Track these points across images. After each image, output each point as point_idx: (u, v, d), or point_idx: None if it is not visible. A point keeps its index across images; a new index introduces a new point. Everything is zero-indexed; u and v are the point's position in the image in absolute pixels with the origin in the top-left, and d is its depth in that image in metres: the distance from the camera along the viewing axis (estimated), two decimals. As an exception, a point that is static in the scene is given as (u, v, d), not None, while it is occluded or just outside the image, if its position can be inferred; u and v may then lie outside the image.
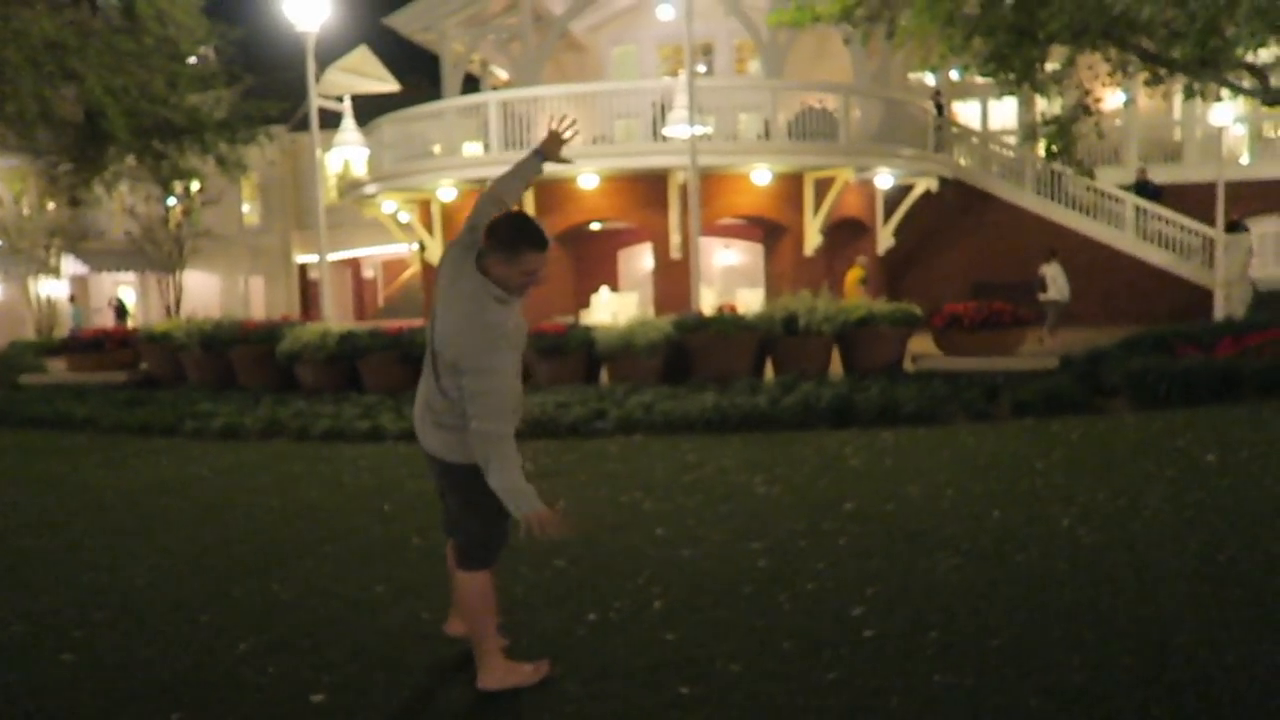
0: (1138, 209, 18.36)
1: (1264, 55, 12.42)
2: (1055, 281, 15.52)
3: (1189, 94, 13.09)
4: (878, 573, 4.44)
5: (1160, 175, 19.53)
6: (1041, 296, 15.53)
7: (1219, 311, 16.09)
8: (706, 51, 21.68)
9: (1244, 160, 20.44)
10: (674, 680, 3.36)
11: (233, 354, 12.10)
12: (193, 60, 18.66)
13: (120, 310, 25.39)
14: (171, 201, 24.48)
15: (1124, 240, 18.37)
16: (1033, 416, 8.52)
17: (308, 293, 28.79)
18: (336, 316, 18.08)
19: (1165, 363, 9.14)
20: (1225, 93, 13.72)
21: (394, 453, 8.08)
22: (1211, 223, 17.32)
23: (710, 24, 20.19)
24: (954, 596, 4.09)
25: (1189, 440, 7.06)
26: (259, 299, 29.04)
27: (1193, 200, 18.66)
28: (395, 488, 6.71)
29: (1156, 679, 3.22)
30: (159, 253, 25.58)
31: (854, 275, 16.19)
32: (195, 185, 23.16)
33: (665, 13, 19.06)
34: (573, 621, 3.96)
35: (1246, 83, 12.47)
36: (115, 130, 16.34)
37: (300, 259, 28.76)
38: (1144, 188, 18.84)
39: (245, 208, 29.14)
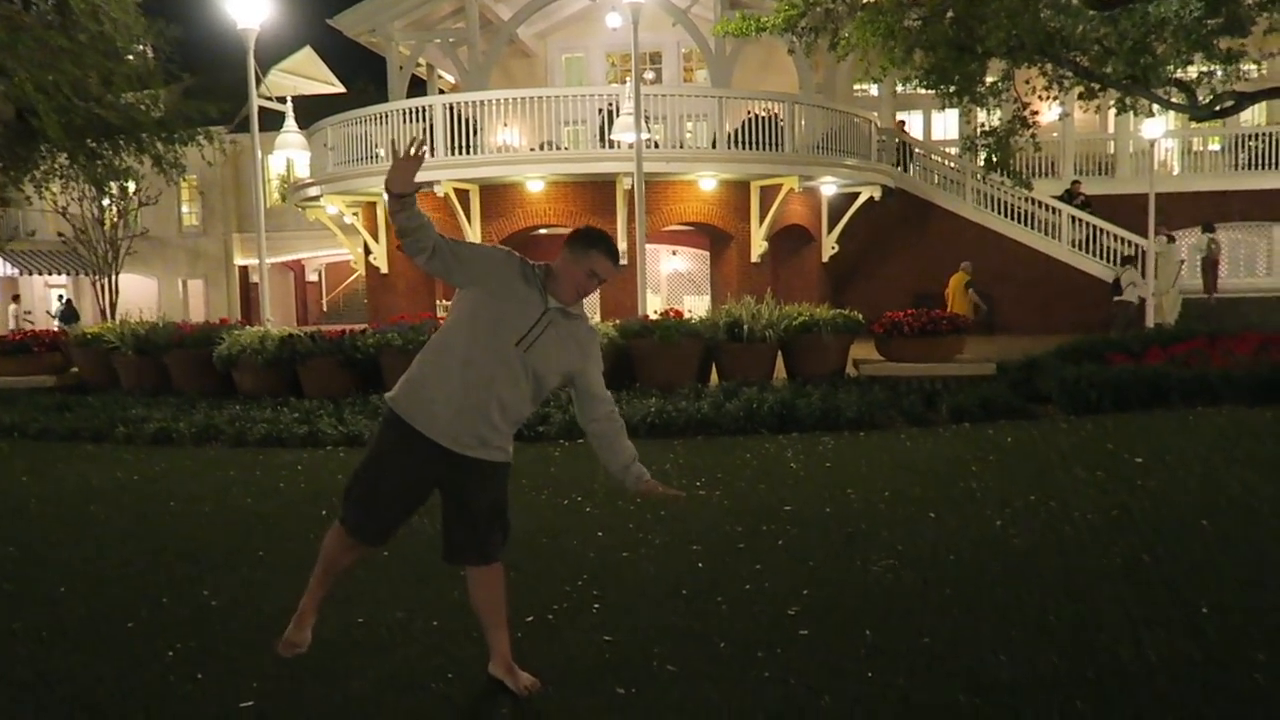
0: (1073, 219, 18.84)
1: (1191, 72, 12.86)
2: (1134, 285, 16.03)
3: (1121, 109, 13.51)
4: (814, 574, 4.48)
5: (1094, 188, 20.06)
6: (1116, 299, 16.06)
7: (1150, 320, 16.57)
8: (654, 60, 21.78)
9: (1175, 173, 21.09)
10: (611, 681, 3.36)
11: (168, 358, 11.82)
12: (129, 58, 18.22)
13: (69, 314, 24.66)
14: (106, 203, 23.85)
15: (1060, 250, 18.84)
16: (970, 422, 8.69)
17: (249, 296, 28.26)
18: (279, 320, 17.75)
19: (1097, 370, 9.40)
20: (1156, 108, 14.15)
21: (333, 458, 7.96)
22: (1143, 234, 17.85)
23: (658, 33, 20.29)
24: (888, 597, 4.15)
25: (1117, 445, 7.25)
26: (199, 302, 28.43)
27: (1126, 212, 19.21)
28: (333, 493, 6.59)
29: (1081, 676, 3.30)
30: (93, 255, 24.88)
31: (959, 279, 16.16)
32: (131, 186, 22.64)
33: (613, 20, 19.11)
34: (512, 624, 3.93)
35: (1175, 98, 12.88)
36: (46, 128, 15.90)
37: (241, 262, 28.23)
38: (1073, 199, 19.36)
39: (184, 209, 28.52)
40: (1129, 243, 17.86)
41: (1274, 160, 19.95)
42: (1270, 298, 17.67)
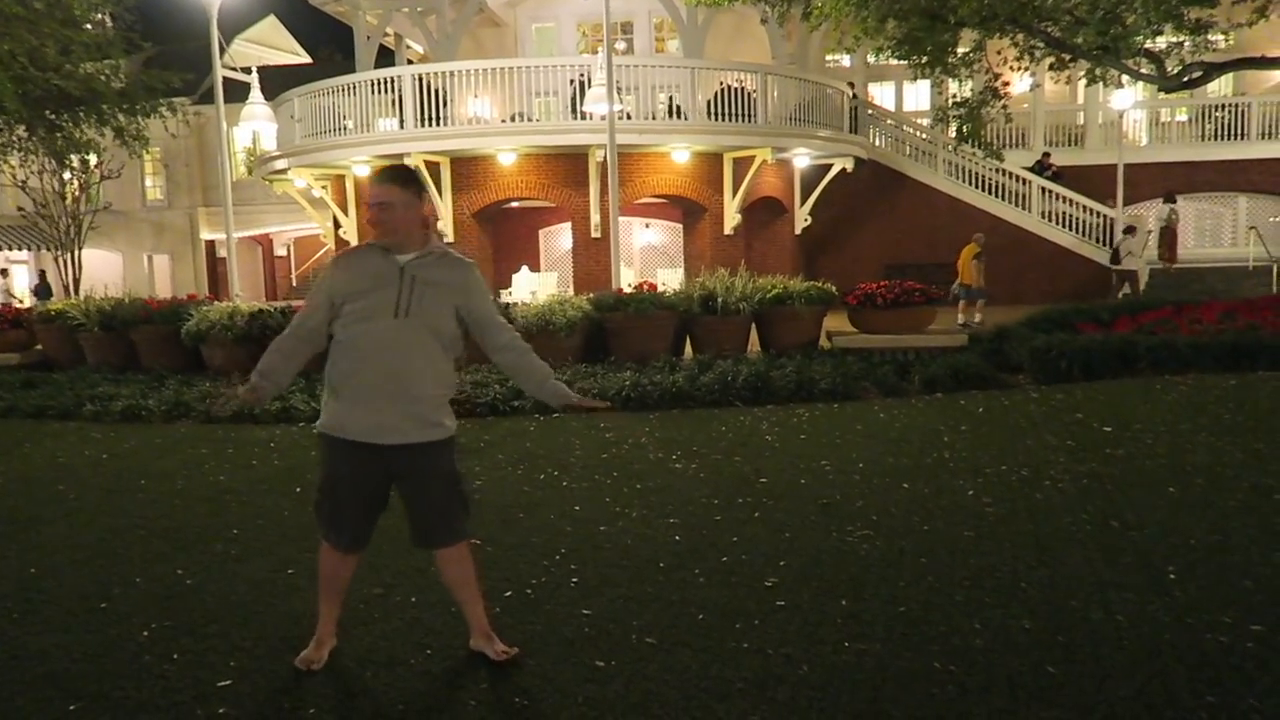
0: (1043, 190, 18.97)
1: (1160, 42, 12.92)
2: (1132, 254, 16.36)
3: (1091, 79, 13.56)
4: (790, 545, 4.52)
5: (1064, 159, 20.20)
6: (1115, 267, 16.46)
7: (1118, 289, 16.76)
8: (626, 30, 21.57)
9: (1143, 144, 21.26)
10: (589, 654, 3.37)
11: (135, 334, 11.65)
12: (87, 26, 17.77)
13: (44, 289, 24.18)
14: (67, 176, 23.34)
15: (1030, 221, 18.98)
16: (942, 392, 8.78)
17: (216, 271, 27.86)
18: (248, 295, 17.52)
19: (1067, 340, 9.50)
20: (1125, 79, 14.23)
21: (306, 434, 7.89)
22: (1111, 205, 18.02)
23: (630, 2, 20.09)
24: (864, 566, 4.20)
25: (1087, 413, 7.35)
26: (164, 277, 27.99)
27: (1095, 183, 19.37)
28: (307, 469, 6.55)
29: (1052, 640, 3.36)
30: (55, 230, 24.37)
31: (969, 250, 16.23)
32: (93, 159, 22.17)
33: (584, -11, 18.92)
34: (490, 598, 3.92)
35: (1145, 69, 12.94)
36: (2, 98, 15.51)
37: (208, 236, 27.79)
38: (1044, 170, 19.49)
39: (148, 182, 27.99)
40: (1129, 213, 18.21)
41: (1240, 131, 20.15)
42: (1235, 267, 17.91)
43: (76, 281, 24.37)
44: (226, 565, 4.51)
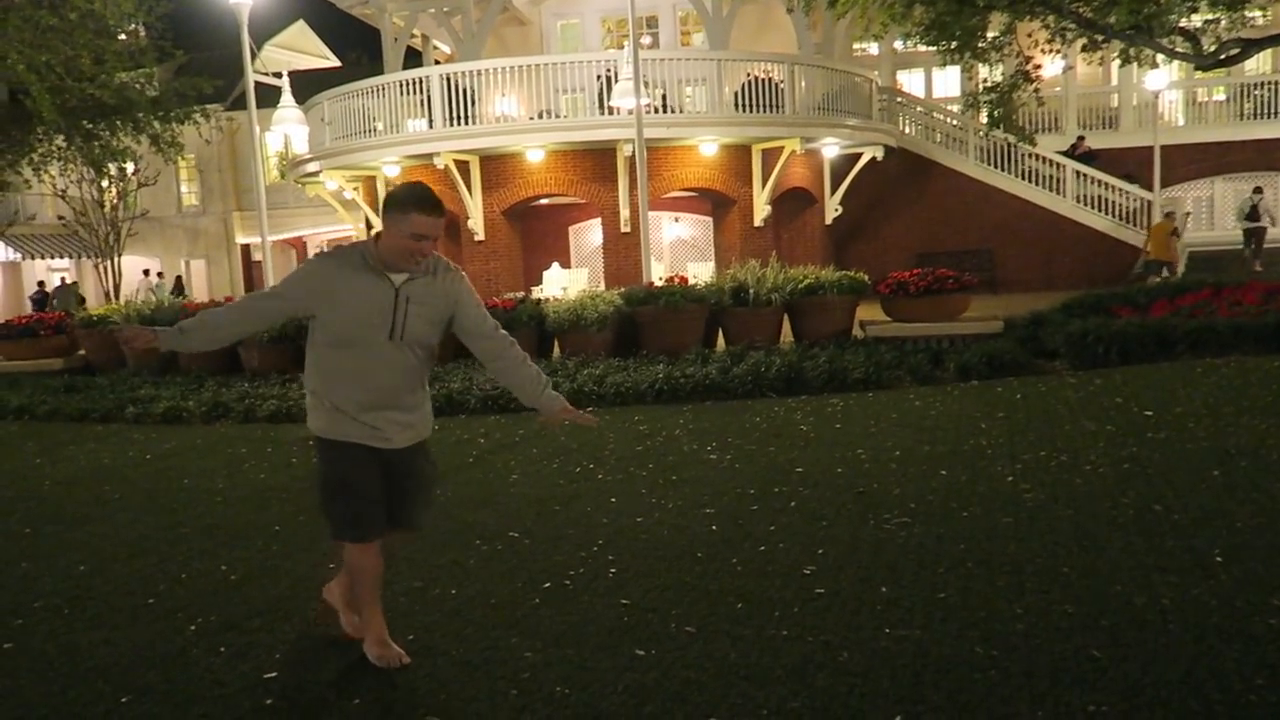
0: (1077, 174, 18.71)
1: (1196, 20, 12.69)
2: (1269, 211, 16.97)
3: (1125, 60, 13.35)
4: (827, 533, 4.50)
5: (1098, 141, 19.91)
6: (1247, 226, 17.09)
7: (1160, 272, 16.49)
8: (651, 24, 21.53)
9: (1179, 124, 20.90)
10: (629, 643, 3.38)
11: (174, 338, 11.84)
12: (121, 36, 18.07)
13: (63, 295, 24.69)
14: (105, 184, 23.77)
15: (1063, 205, 18.73)
16: (977, 379, 8.69)
17: (251, 275, 28.24)
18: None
19: (1103, 324, 9.37)
20: (1160, 58, 13.99)
21: (343, 432, 7.97)
22: (1149, 186, 17.72)
23: (654, -4, 20.06)
24: (902, 554, 4.17)
25: (1126, 398, 7.25)
26: (201, 282, 28.43)
27: (1130, 165, 19.07)
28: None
29: (1095, 624, 3.32)
30: (94, 237, 24.85)
31: (1164, 227, 16.34)
32: (129, 166, 22.55)
33: (608, -16, 18.93)
34: (528, 590, 3.96)
35: (1180, 47, 12.72)
36: (40, 109, 15.81)
37: (242, 240, 28.19)
38: (1082, 155, 19.21)
39: (183, 189, 28.45)
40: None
41: (1279, 109, 19.74)
42: (1272, 248, 17.56)
43: (116, 287, 24.81)
44: (269, 561, 4.58)
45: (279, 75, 17.67)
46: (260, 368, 11.05)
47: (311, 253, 31.40)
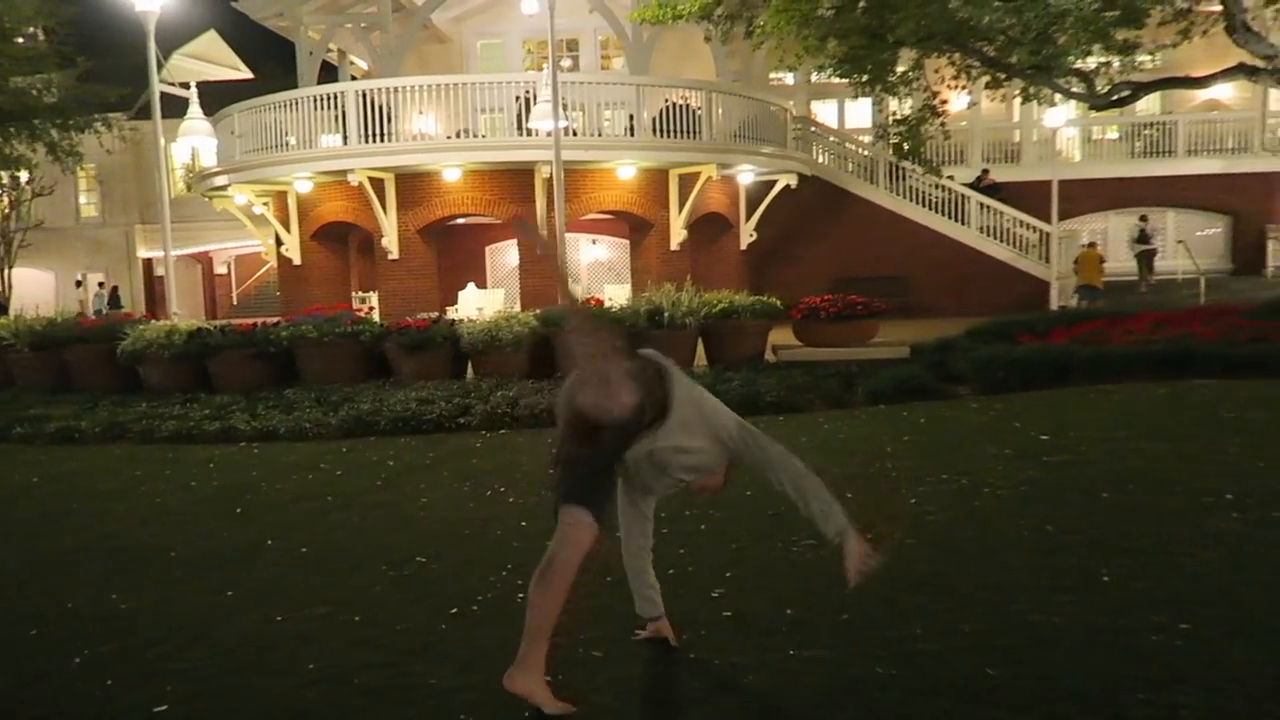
0: (981, 206, 19.41)
1: (1091, 62, 13.34)
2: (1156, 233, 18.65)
3: (1026, 98, 13.94)
4: (737, 556, 4.54)
5: (1001, 175, 20.72)
6: (1140, 249, 18.75)
7: (1054, 302, 17.20)
8: (572, 47, 21.67)
9: (1076, 160, 21.90)
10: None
11: (68, 354, 11.35)
12: (18, 39, 17.36)
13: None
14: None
15: (968, 235, 19.40)
16: (885, 403, 8.89)
17: (154, 290, 27.27)
18: (187, 314, 17.19)
19: (1006, 350, 9.71)
20: (1058, 97, 14.66)
21: (246, 454, 7.74)
22: (1047, 219, 18.49)
23: (575, 19, 20.18)
24: (810, 575, 4.23)
25: (1024, 422, 7.51)
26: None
27: (1031, 198, 19.89)
28: (248, 489, 6.43)
29: (995, 643, 3.42)
30: (-16, 248, 23.72)
31: (1094, 255, 17.35)
32: (24, 175, 21.61)
33: (530, 6, 18.94)
34: (436, 615, 3.90)
35: (1076, 87, 13.35)
36: (-71, 113, 15.04)
37: (145, 254, 27.22)
38: (986, 187, 19.96)
39: (83, 199, 27.36)
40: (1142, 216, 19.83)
41: (1169, 148, 20.85)
42: (1165, 280, 18.50)
43: (7, 301, 23.67)
44: (167, 588, 4.40)
45: (187, 85, 17.19)
46: (160, 386, 10.64)
47: (218, 268, 30.52)
